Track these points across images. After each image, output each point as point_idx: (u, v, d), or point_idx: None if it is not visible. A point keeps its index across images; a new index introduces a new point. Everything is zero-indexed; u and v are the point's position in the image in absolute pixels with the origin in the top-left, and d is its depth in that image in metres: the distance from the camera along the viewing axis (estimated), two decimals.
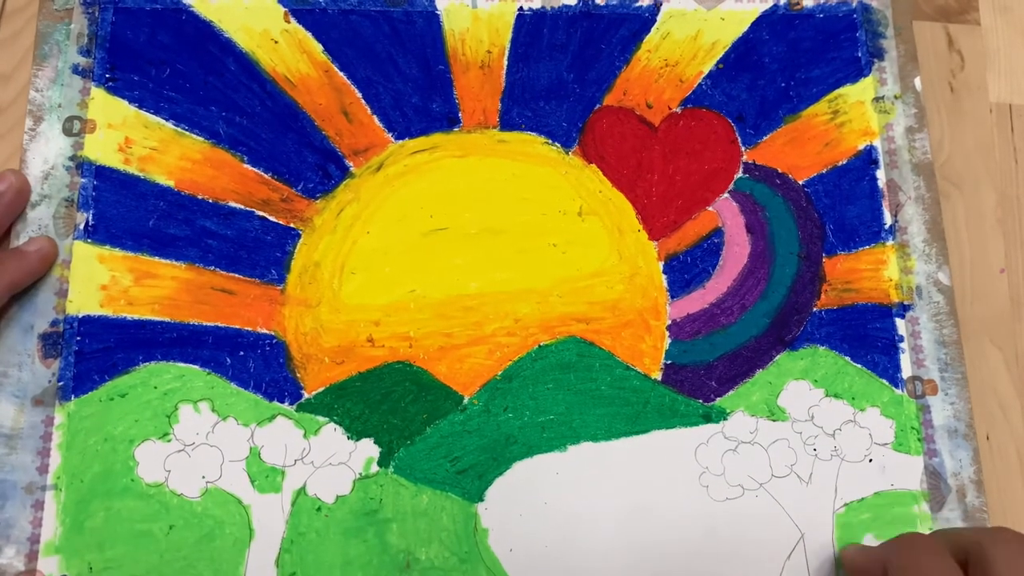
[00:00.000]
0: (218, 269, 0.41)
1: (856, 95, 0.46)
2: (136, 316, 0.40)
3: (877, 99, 0.46)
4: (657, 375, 0.42)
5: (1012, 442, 0.43)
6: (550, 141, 0.44)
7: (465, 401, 0.41)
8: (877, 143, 0.46)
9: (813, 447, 0.42)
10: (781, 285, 0.44)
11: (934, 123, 0.46)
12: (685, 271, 0.43)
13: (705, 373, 0.42)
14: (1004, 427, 0.43)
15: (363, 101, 0.44)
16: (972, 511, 0.41)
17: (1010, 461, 0.43)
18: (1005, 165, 0.46)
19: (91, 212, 0.41)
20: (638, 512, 0.40)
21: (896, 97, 0.46)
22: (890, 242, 0.44)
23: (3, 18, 0.43)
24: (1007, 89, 0.48)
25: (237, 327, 0.41)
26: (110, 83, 0.43)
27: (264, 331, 0.41)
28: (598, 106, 0.45)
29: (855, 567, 0.39)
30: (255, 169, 0.43)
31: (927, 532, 0.41)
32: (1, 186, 0.40)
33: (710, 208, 0.44)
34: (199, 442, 0.39)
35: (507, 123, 0.45)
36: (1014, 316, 0.44)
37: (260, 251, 0.42)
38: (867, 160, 0.45)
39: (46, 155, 0.42)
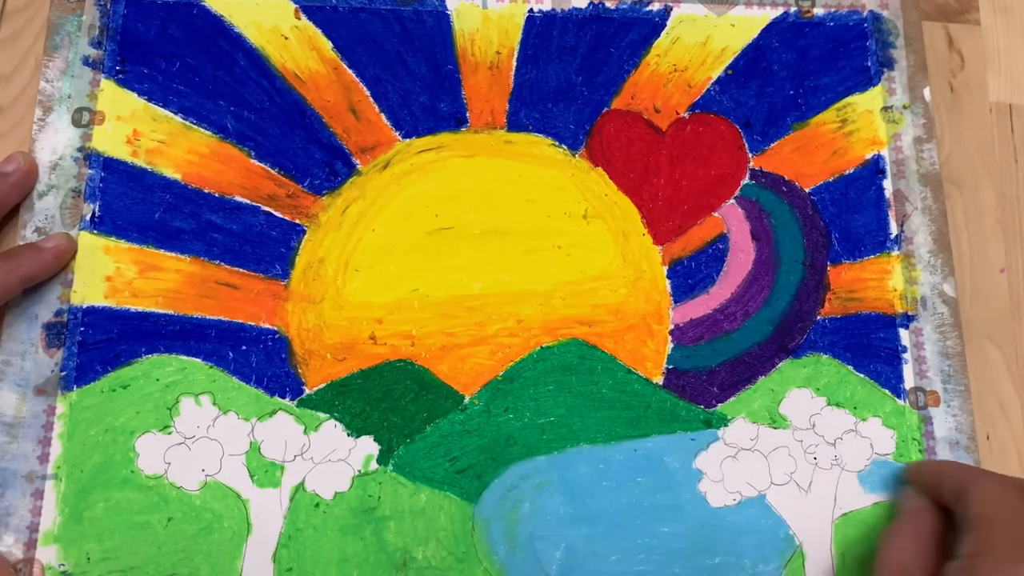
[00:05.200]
0: (223, 263, 0.41)
1: (865, 104, 0.46)
2: (140, 308, 0.40)
3: (886, 108, 0.46)
4: (659, 379, 0.42)
5: (1012, 442, 0.43)
6: (557, 143, 0.44)
7: (466, 401, 0.41)
8: (885, 153, 0.46)
9: (813, 456, 0.41)
10: (785, 292, 0.43)
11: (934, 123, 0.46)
12: (689, 276, 0.43)
13: (707, 379, 0.42)
14: (1004, 427, 0.43)
15: (371, 99, 0.44)
16: None
17: (1010, 461, 0.42)
18: (1005, 165, 0.46)
19: (98, 203, 0.41)
20: (636, 516, 0.40)
21: (905, 107, 0.46)
22: (895, 252, 0.44)
23: (9, 15, 0.43)
24: (1007, 89, 0.47)
25: (240, 321, 0.41)
26: (120, 75, 0.43)
27: (267, 326, 0.41)
28: (606, 109, 0.45)
29: (919, 476, 0.40)
30: (262, 164, 0.43)
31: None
32: (9, 167, 0.40)
33: (715, 214, 0.44)
34: (199, 435, 0.39)
35: (514, 124, 0.45)
36: (1014, 316, 0.44)
37: (265, 246, 0.42)
38: (874, 169, 0.45)
39: (54, 146, 0.42)
